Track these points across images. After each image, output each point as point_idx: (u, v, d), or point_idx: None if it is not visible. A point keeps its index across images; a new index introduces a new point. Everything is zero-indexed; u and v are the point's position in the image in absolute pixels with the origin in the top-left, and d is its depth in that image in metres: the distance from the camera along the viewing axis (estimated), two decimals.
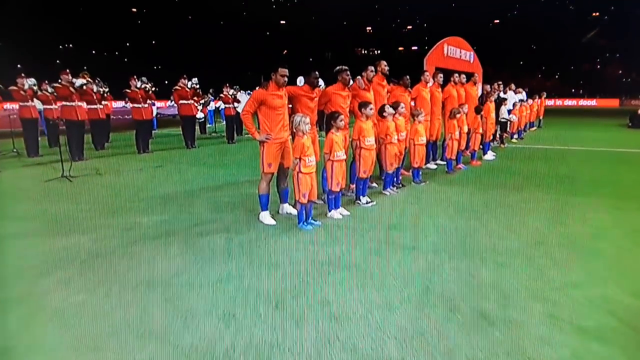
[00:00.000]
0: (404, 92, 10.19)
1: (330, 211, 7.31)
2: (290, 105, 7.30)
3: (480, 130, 12.44)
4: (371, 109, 7.71)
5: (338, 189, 7.09)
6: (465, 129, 11.57)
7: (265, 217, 6.99)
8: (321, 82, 7.79)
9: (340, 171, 7.10)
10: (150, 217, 7.24)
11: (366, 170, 7.78)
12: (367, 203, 7.81)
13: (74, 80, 13.63)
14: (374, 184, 9.25)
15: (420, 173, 9.98)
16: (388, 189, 8.89)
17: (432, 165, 11.72)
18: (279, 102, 6.83)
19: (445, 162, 11.33)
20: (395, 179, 9.35)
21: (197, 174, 11.40)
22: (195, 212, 7.47)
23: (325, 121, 7.23)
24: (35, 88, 14.65)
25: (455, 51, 17.21)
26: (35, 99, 14.98)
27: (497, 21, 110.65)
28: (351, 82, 8.06)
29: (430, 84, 11.10)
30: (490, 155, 13.25)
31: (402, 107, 8.99)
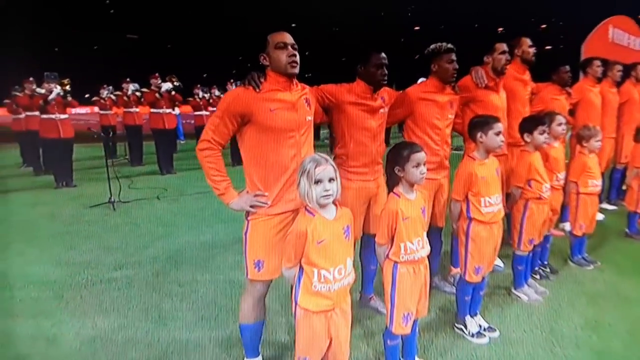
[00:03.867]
0: (560, 93, 4.79)
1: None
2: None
3: None
4: (499, 129, 2.94)
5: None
6: None
7: None
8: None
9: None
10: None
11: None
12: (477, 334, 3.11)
13: (161, 84, 10.16)
14: (452, 276, 3.90)
15: (585, 243, 4.33)
16: (521, 288, 3.60)
17: (599, 216, 5.03)
18: (288, 118, 2.49)
19: (623, 212, 5.20)
20: (535, 261, 3.94)
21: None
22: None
23: (389, 160, 2.59)
24: (138, 94, 11.24)
25: (623, 37, 10.30)
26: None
27: None
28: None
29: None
30: None
31: (561, 123, 3.79)
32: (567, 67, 4.81)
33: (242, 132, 2.53)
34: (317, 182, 2.10)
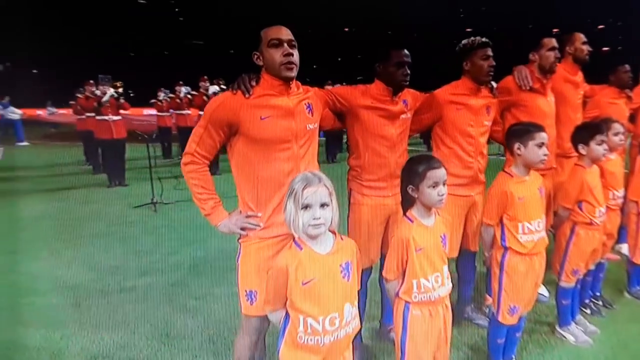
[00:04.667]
0: (618, 96, 3.97)
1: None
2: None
3: None
4: (542, 139, 2.33)
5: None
6: None
7: None
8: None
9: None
10: None
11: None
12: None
13: (209, 86, 9.90)
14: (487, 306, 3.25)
15: None
16: (567, 327, 2.92)
17: None
18: (283, 127, 2.04)
19: None
20: (586, 292, 3.25)
21: None
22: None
23: (402, 177, 2.11)
24: (190, 96, 11.05)
25: None
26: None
27: None
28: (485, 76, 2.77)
29: None
30: None
31: (619, 132, 3.00)
32: (627, 67, 4.02)
33: (231, 143, 2.11)
34: (305, 207, 1.64)
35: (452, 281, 2.08)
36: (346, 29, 27.34)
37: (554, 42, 3.04)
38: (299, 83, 2.19)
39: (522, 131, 2.37)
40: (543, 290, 3.30)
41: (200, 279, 4.09)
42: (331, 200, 1.69)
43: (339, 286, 1.71)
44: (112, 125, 8.37)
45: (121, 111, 8.50)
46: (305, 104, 2.16)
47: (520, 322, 2.48)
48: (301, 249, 1.69)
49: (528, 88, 2.98)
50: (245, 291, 2.10)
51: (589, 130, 2.77)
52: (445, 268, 2.03)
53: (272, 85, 2.06)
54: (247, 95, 2.02)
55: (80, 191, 8.11)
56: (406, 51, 2.53)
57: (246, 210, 2.10)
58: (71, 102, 11.17)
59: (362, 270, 2.58)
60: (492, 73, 2.73)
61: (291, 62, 2.03)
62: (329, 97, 2.50)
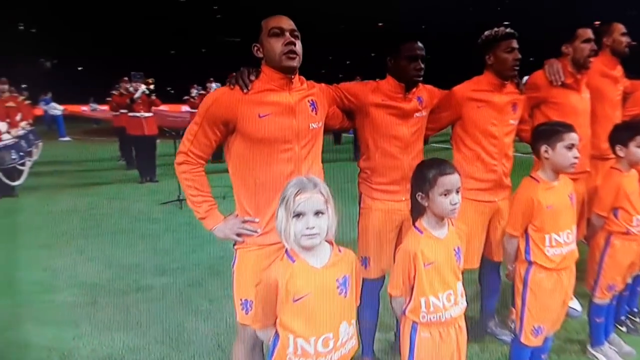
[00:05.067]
0: None
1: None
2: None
3: None
4: (572, 141, 2.08)
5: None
6: None
7: None
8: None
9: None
10: None
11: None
12: None
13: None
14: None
15: None
16: (600, 347, 2.59)
17: None
18: (283, 126, 1.87)
19: None
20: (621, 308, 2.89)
21: None
22: None
23: (411, 183, 1.91)
24: None
25: None
26: None
27: None
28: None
29: None
30: None
31: None
32: None
33: (228, 143, 1.95)
34: (298, 215, 1.46)
35: (474, 292, 1.85)
36: (380, 24, 26.88)
37: (589, 33, 2.72)
38: (303, 78, 2.01)
39: (550, 132, 2.10)
40: (575, 303, 2.97)
41: (216, 279, 3.95)
42: (327, 208, 1.50)
43: (335, 303, 1.52)
44: (144, 122, 8.38)
45: (160, 107, 8.55)
46: (308, 101, 1.98)
47: (546, 342, 2.22)
48: (294, 261, 1.51)
49: (559, 83, 2.67)
50: (241, 300, 1.95)
51: (628, 131, 2.47)
52: (459, 285, 1.80)
53: (272, 79, 1.89)
54: (245, 91, 1.85)
55: (111, 186, 8.16)
56: (419, 43, 2.29)
57: (244, 215, 1.94)
58: (107, 99, 11.34)
59: (374, 279, 2.40)
60: (517, 67, 2.44)
61: (293, 52, 1.85)
62: (337, 94, 2.30)
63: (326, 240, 1.55)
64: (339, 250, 1.58)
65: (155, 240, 5.09)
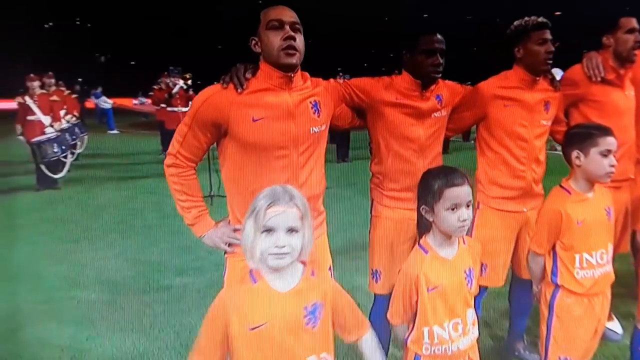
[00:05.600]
0: None
1: None
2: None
3: None
4: (608, 146, 1.79)
5: None
6: None
7: None
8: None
9: None
10: None
11: None
12: None
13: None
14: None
15: None
16: None
17: None
18: (279, 130, 1.68)
19: None
20: None
21: None
22: None
23: (417, 194, 1.77)
24: None
25: None
26: None
27: None
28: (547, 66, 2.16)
29: None
30: None
31: None
32: None
33: (221, 145, 1.79)
34: (268, 230, 1.28)
35: (504, 308, 1.61)
36: (425, 15, 26.04)
37: (634, 22, 2.35)
38: (307, 75, 1.82)
39: (582, 135, 1.81)
40: (615, 325, 2.63)
41: None
42: (303, 225, 1.31)
43: (300, 334, 1.32)
44: (181, 117, 8.41)
45: None
46: (310, 102, 1.78)
47: None
48: (255, 282, 1.32)
49: (600, 79, 2.33)
50: None
51: None
52: (470, 313, 1.57)
53: (270, 77, 1.71)
54: (239, 90, 1.67)
55: (149, 180, 8.21)
56: (438, 36, 2.03)
57: (235, 223, 1.78)
58: (149, 94, 11.54)
59: (385, 295, 2.18)
60: (550, 60, 2.13)
61: (292, 47, 1.66)
62: (346, 91, 2.07)
63: (300, 262, 1.36)
64: (312, 274, 1.38)
65: (180, 238, 5.02)
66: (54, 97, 7.89)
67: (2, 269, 4.24)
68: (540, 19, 2.13)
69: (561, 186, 1.87)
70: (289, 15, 1.70)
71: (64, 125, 7.98)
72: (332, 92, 1.96)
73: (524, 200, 2.27)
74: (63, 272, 4.14)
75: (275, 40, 1.66)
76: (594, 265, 1.78)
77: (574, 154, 1.80)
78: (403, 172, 2.13)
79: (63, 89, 9.25)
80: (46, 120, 7.55)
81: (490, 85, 2.24)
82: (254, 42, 1.75)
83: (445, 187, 1.50)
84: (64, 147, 7.73)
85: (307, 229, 1.32)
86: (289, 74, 1.71)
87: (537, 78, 2.20)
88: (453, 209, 1.49)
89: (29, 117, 7.41)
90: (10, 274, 4.15)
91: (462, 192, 1.50)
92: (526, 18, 2.15)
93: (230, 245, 1.78)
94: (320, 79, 1.92)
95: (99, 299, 3.64)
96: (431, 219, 1.55)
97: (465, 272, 1.58)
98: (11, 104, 8.42)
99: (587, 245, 1.78)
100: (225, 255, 1.83)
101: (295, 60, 1.68)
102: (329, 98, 1.90)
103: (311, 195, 1.72)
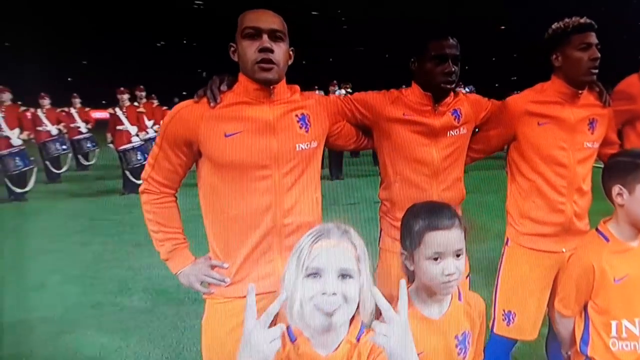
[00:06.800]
0: None
1: None
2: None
3: None
4: None
5: None
6: None
7: None
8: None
9: None
10: None
11: None
12: None
13: (336, 91, 9.16)
14: None
15: None
16: None
17: None
18: (257, 147, 1.45)
19: None
20: None
21: None
22: None
23: (400, 238, 1.45)
24: None
25: None
26: None
27: None
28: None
29: None
30: None
31: None
32: None
33: (197, 167, 1.58)
34: (312, 274, 1.02)
35: None
36: (502, 27, 24.26)
37: None
38: (297, 87, 1.58)
39: (626, 165, 1.38)
40: None
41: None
42: (359, 270, 1.03)
43: None
44: None
45: None
46: (297, 115, 1.53)
47: None
48: (293, 340, 1.06)
49: None
50: None
51: None
52: None
53: (246, 90, 1.48)
54: (212, 104, 1.46)
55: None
56: (451, 40, 1.68)
57: (215, 256, 1.56)
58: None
59: None
60: (595, 70, 1.70)
61: (268, 61, 1.42)
62: (347, 107, 1.77)
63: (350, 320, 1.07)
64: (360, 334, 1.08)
65: None
66: (141, 109, 8.37)
67: (69, 269, 4.46)
68: (583, 20, 1.69)
69: (598, 230, 1.43)
70: (268, 21, 1.45)
71: (151, 134, 8.42)
72: (328, 106, 1.67)
73: (564, 239, 1.82)
74: (117, 276, 4.26)
75: (249, 51, 1.44)
76: (637, 336, 1.33)
77: (616, 189, 1.37)
78: (413, 199, 1.75)
79: (154, 101, 9.73)
80: (133, 130, 8.03)
81: (521, 100, 1.84)
82: (232, 49, 1.53)
83: (427, 229, 1.17)
84: (147, 155, 8.15)
85: (365, 277, 1.04)
86: (269, 87, 1.47)
87: (580, 91, 1.76)
88: (436, 259, 1.16)
89: (118, 127, 7.97)
90: (73, 274, 4.35)
91: (448, 237, 1.17)
92: (566, 20, 1.72)
93: (216, 284, 1.54)
94: (314, 93, 1.66)
95: (140, 307, 3.66)
96: (412, 269, 1.23)
97: (456, 337, 1.23)
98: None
99: (629, 309, 1.33)
100: (203, 296, 1.59)
101: (271, 75, 1.44)
102: (322, 112, 1.62)
103: (300, 223, 1.47)
